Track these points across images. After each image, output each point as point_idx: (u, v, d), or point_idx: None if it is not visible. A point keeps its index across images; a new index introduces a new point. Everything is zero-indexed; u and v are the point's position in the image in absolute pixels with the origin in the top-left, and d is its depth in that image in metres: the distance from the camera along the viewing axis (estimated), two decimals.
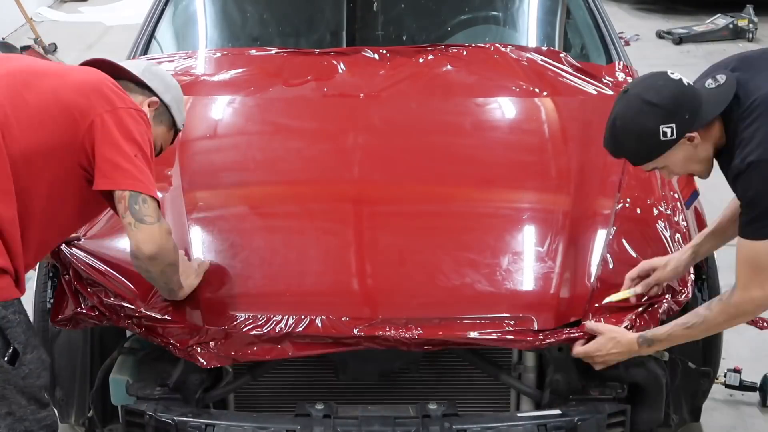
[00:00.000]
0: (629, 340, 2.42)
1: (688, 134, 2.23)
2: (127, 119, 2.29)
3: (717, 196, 4.62)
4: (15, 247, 2.23)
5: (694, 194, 2.78)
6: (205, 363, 2.43)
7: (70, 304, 2.55)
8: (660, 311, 2.49)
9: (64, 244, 2.61)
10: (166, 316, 2.46)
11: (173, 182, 2.87)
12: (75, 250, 2.61)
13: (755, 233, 2.20)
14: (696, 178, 2.69)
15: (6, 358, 2.20)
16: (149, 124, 2.39)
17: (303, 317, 2.44)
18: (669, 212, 2.79)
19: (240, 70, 3.58)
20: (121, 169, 2.25)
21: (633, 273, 2.56)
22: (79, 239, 2.66)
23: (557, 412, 2.48)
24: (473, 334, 2.40)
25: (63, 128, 2.25)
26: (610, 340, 2.42)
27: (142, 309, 2.47)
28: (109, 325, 2.52)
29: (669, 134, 2.21)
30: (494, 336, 2.40)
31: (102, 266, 2.57)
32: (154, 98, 2.48)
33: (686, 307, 2.53)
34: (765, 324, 3.62)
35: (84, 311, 2.51)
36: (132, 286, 2.52)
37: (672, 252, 2.63)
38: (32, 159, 2.22)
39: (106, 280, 2.54)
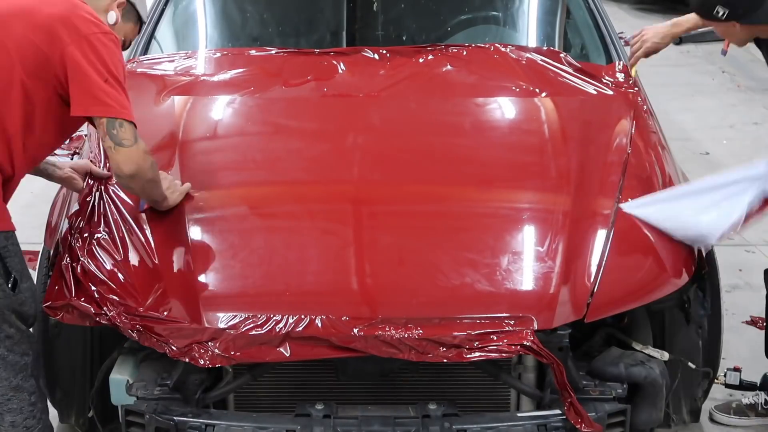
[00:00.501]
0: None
1: (733, 22, 2.80)
2: (96, 45, 2.44)
3: None
4: (11, 183, 2.50)
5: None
6: (204, 363, 2.43)
7: (65, 291, 2.54)
8: None
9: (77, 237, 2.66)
10: (165, 315, 2.46)
11: None
12: (86, 245, 2.62)
13: None
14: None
15: (9, 285, 2.45)
16: (118, 45, 2.55)
17: (303, 317, 2.44)
18: None
19: (240, 70, 3.58)
20: (93, 97, 2.43)
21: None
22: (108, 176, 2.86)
23: (557, 412, 2.48)
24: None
25: (37, 65, 2.43)
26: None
27: (140, 307, 2.47)
28: (102, 323, 2.51)
29: (720, 14, 2.78)
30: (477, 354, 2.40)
31: (108, 264, 2.59)
32: None
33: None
34: (764, 324, 3.62)
35: (82, 302, 2.50)
36: (133, 288, 2.53)
37: (673, 254, 2.65)
38: (9, 94, 2.41)
39: (110, 278, 2.55)
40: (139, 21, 2.80)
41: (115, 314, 2.48)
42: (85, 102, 2.43)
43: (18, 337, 2.51)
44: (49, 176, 2.89)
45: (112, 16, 2.64)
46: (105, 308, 2.49)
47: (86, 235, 2.68)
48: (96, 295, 2.52)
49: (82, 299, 2.52)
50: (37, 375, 2.60)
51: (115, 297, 2.51)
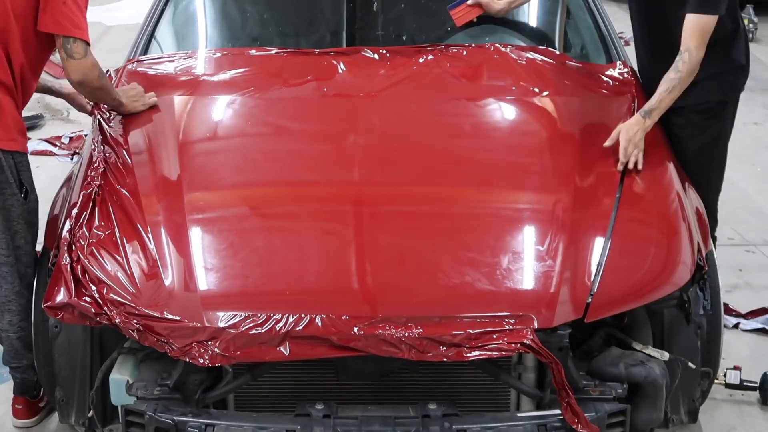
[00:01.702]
0: (635, 120, 3.03)
1: None
2: None
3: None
4: (21, 106, 3.01)
5: None
6: (204, 362, 2.43)
7: (65, 291, 2.54)
8: None
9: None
10: (165, 315, 2.46)
11: (173, 182, 2.87)
12: (86, 245, 2.62)
13: (705, 9, 3.05)
14: None
15: (23, 195, 2.97)
16: None
17: (303, 316, 2.44)
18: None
19: (240, 70, 3.57)
20: (51, 18, 2.92)
21: None
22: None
23: (557, 412, 2.48)
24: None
25: None
26: (623, 130, 2.97)
27: (141, 307, 2.48)
28: (102, 323, 2.51)
29: None
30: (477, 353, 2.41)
31: (108, 264, 2.59)
32: None
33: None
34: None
35: (82, 302, 2.51)
36: (133, 288, 2.53)
37: (673, 254, 2.65)
38: (10, 22, 2.87)
39: (110, 278, 2.55)
40: None
41: (115, 314, 2.48)
42: (46, 21, 2.92)
43: (26, 249, 3.00)
44: (57, 93, 3.50)
45: None
46: (105, 308, 2.49)
47: (86, 235, 2.68)
48: (96, 295, 2.52)
49: (83, 299, 2.52)
50: (29, 283, 3.02)
51: (115, 297, 2.51)
